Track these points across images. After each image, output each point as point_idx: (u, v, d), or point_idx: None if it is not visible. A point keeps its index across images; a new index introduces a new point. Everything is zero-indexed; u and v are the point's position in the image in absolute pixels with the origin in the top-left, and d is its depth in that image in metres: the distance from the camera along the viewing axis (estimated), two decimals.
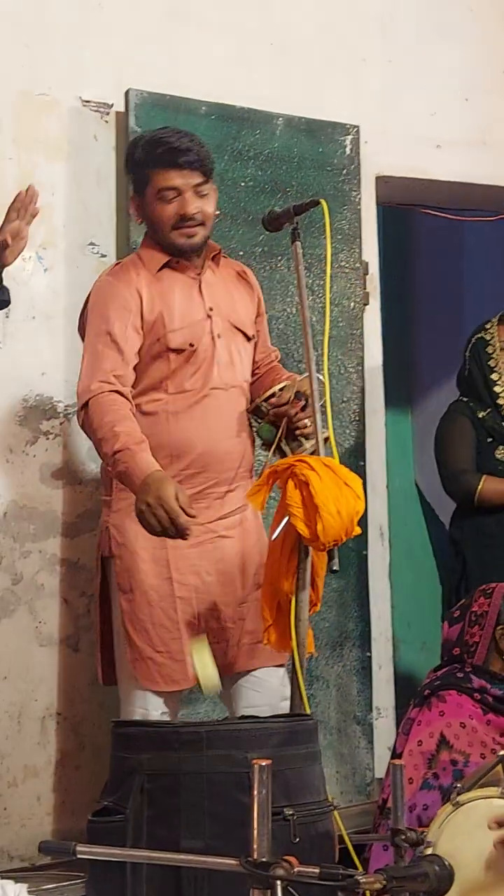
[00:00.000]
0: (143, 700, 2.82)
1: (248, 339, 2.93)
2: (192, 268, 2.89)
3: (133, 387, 2.78)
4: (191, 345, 2.82)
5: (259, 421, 2.86)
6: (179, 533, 2.53)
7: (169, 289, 2.85)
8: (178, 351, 2.81)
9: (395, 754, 2.88)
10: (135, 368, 2.78)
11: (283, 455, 2.77)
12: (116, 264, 3.01)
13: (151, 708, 2.81)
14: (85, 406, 2.69)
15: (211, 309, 2.87)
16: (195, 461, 2.80)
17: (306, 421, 2.73)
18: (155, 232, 2.89)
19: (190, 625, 2.80)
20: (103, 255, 3.72)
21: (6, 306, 2.92)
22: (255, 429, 2.88)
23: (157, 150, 2.82)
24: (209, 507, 2.80)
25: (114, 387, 2.69)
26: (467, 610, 2.95)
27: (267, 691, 2.82)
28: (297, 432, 2.76)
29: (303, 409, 2.74)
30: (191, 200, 2.82)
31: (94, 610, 2.97)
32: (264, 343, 3.09)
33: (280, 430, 2.76)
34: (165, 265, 2.87)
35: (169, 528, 2.51)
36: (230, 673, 2.82)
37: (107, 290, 2.83)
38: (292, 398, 2.75)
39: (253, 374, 3.01)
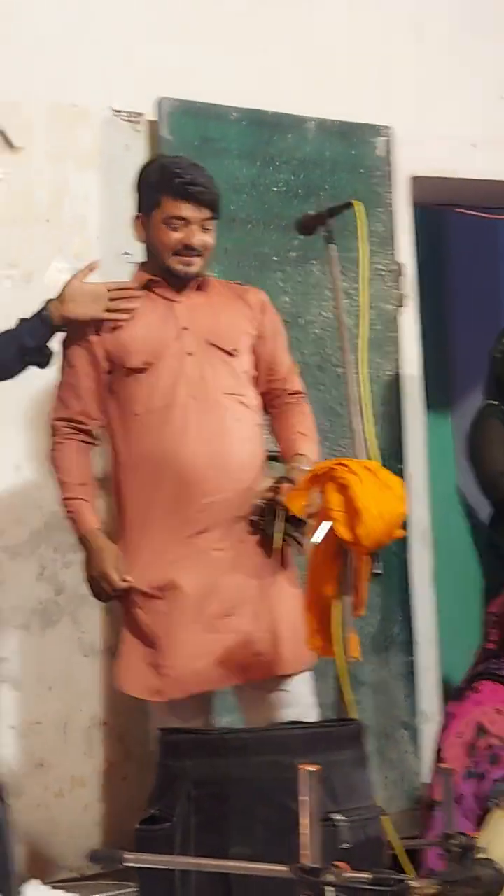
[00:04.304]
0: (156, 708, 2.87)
1: (229, 353, 2.93)
2: (170, 291, 2.96)
3: (109, 409, 2.94)
4: (146, 363, 2.88)
5: (263, 519, 2.85)
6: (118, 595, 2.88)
7: (140, 311, 2.94)
8: (138, 370, 2.88)
9: (437, 749, 2.90)
10: (113, 388, 2.93)
11: (300, 544, 2.79)
12: None
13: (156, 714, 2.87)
14: (53, 441, 2.99)
15: (185, 328, 2.92)
16: (169, 476, 2.82)
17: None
18: (153, 255, 2.97)
19: (173, 636, 2.80)
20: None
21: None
22: (262, 527, 2.85)
23: (175, 179, 2.91)
24: (187, 521, 2.81)
25: (71, 425, 2.96)
26: None
27: (266, 705, 2.84)
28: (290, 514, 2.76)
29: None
30: (196, 232, 2.90)
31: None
32: (269, 365, 3.04)
33: (277, 520, 2.78)
34: (144, 287, 2.96)
35: (112, 595, 2.88)
36: (224, 685, 2.87)
37: (75, 326, 2.94)
38: (274, 485, 2.82)
39: (265, 397, 3.03)
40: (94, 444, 3.01)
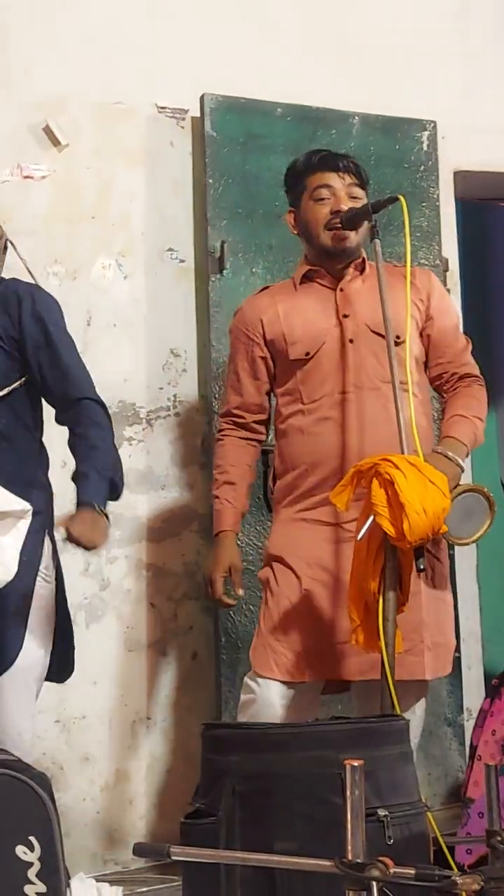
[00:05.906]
0: (258, 686, 2.77)
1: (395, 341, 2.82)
2: (330, 279, 2.93)
3: (278, 403, 2.98)
4: (307, 353, 2.87)
5: None
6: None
7: (299, 303, 2.94)
8: (300, 361, 2.88)
9: (472, 747, 2.90)
10: (280, 381, 2.95)
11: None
12: (262, 288, 3.13)
13: (268, 693, 2.75)
14: (216, 436, 3.10)
15: (346, 315, 2.89)
16: (330, 466, 2.81)
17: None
18: (309, 241, 2.95)
19: (318, 619, 2.78)
20: (182, 261, 3.74)
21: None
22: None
23: (315, 157, 2.94)
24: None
25: (231, 420, 3.04)
26: None
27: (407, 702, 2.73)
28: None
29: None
30: (344, 199, 2.89)
31: None
32: (438, 347, 2.95)
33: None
34: (305, 276, 2.95)
35: (210, 597, 2.95)
36: (363, 678, 2.75)
37: (235, 322, 3.05)
38: None
39: (436, 381, 2.95)
40: (257, 439, 3.05)
